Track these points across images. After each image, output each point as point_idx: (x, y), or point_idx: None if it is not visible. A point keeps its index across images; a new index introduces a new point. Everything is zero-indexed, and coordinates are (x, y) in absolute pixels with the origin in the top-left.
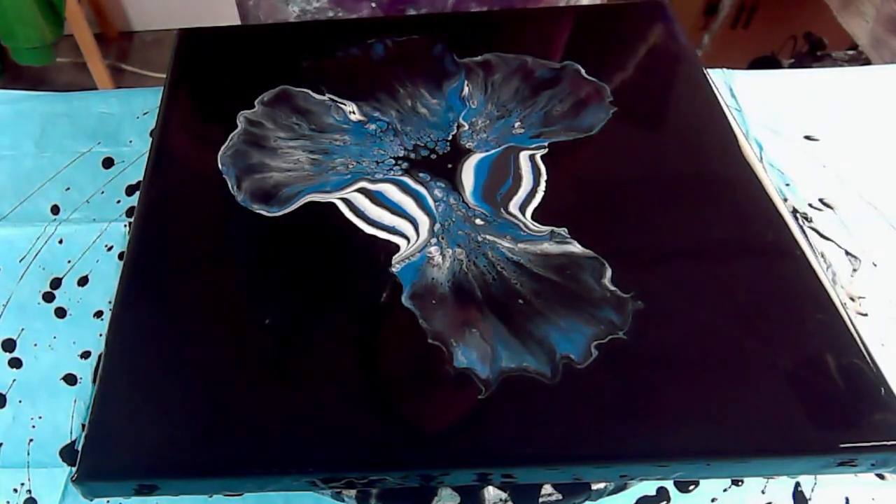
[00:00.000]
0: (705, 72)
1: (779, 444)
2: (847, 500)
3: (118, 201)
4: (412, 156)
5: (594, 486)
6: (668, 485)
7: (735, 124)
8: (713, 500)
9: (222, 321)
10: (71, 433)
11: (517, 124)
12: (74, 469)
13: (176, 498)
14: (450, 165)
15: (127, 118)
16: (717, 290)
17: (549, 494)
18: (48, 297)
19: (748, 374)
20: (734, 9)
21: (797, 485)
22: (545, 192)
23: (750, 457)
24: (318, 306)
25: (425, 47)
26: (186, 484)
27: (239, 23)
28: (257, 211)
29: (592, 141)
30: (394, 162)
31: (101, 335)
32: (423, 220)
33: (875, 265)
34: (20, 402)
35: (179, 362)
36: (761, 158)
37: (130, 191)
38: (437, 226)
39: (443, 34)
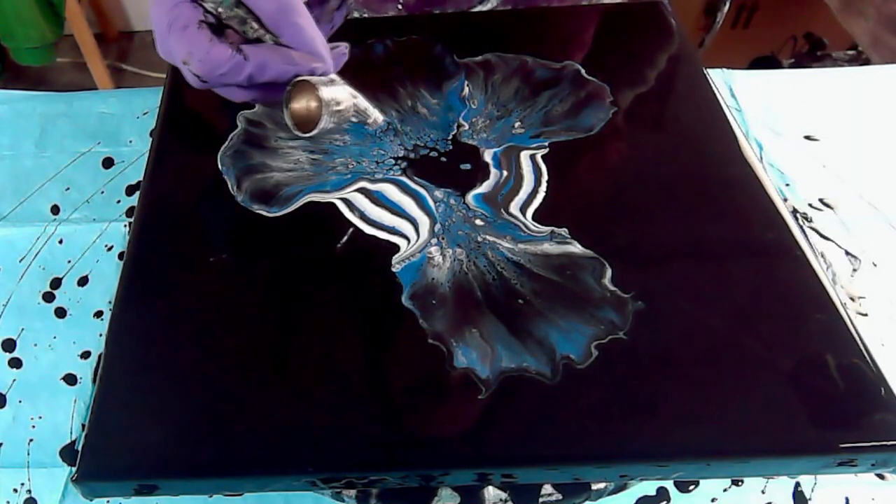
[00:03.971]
0: (705, 72)
1: (779, 444)
2: (847, 500)
3: (118, 201)
4: (412, 156)
5: (594, 486)
6: (668, 485)
7: (735, 124)
8: (713, 500)
9: (222, 321)
10: (71, 433)
11: (517, 124)
12: (74, 469)
13: (176, 498)
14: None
15: (127, 118)
16: (717, 290)
17: (549, 494)
18: (48, 297)
19: (748, 374)
20: (734, 9)
21: (797, 485)
22: (546, 192)
23: (750, 457)
24: (318, 306)
25: (425, 47)
26: (186, 484)
27: None
28: (257, 211)
29: (592, 141)
30: (394, 162)
31: (101, 335)
32: (424, 221)
33: (875, 265)
34: (20, 402)
35: (179, 362)
36: (761, 158)
37: (130, 191)
38: (438, 226)
39: (443, 34)
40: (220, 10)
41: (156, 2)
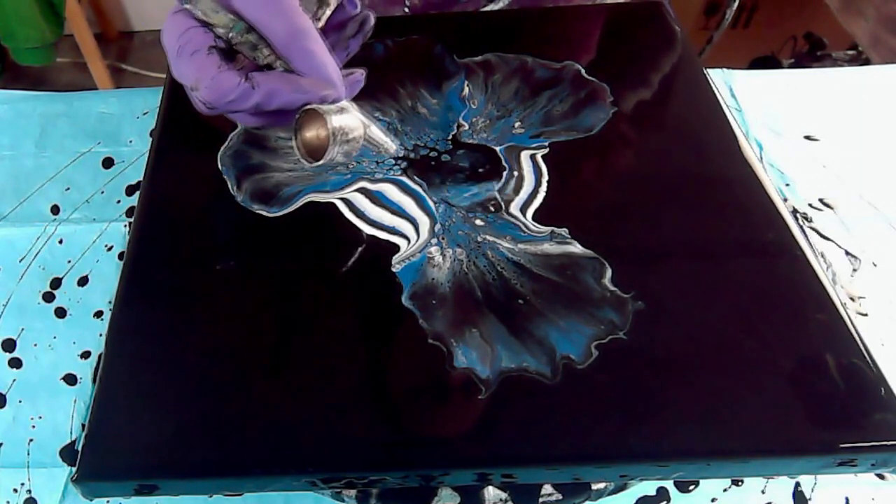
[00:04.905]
0: (705, 72)
1: (779, 444)
2: (847, 500)
3: (118, 201)
4: (412, 156)
5: (594, 486)
6: (668, 485)
7: (735, 124)
8: (713, 500)
9: (222, 321)
10: (71, 433)
11: (517, 124)
12: (74, 469)
13: (176, 498)
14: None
15: (127, 118)
16: (717, 290)
17: (549, 494)
18: (48, 297)
19: (748, 374)
20: (734, 9)
21: (797, 485)
22: (546, 192)
23: (750, 457)
24: (318, 306)
25: (425, 47)
26: (186, 484)
27: None
28: (257, 211)
29: (593, 141)
30: (394, 162)
31: (101, 335)
32: (424, 221)
33: (875, 265)
34: (20, 402)
35: (179, 362)
36: (761, 158)
37: (130, 191)
38: (438, 226)
39: (445, 35)
40: (231, 35)
41: (167, 26)
